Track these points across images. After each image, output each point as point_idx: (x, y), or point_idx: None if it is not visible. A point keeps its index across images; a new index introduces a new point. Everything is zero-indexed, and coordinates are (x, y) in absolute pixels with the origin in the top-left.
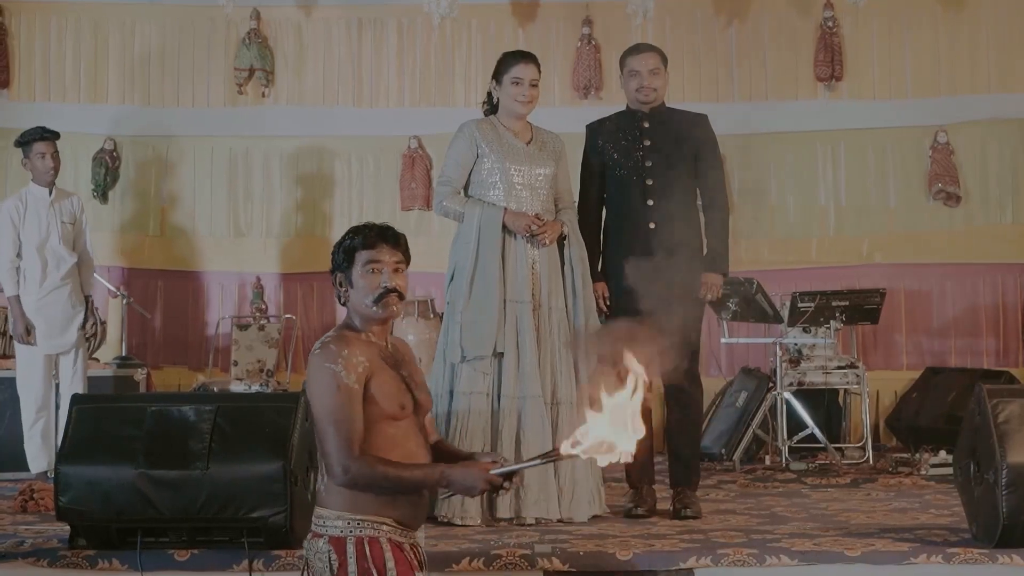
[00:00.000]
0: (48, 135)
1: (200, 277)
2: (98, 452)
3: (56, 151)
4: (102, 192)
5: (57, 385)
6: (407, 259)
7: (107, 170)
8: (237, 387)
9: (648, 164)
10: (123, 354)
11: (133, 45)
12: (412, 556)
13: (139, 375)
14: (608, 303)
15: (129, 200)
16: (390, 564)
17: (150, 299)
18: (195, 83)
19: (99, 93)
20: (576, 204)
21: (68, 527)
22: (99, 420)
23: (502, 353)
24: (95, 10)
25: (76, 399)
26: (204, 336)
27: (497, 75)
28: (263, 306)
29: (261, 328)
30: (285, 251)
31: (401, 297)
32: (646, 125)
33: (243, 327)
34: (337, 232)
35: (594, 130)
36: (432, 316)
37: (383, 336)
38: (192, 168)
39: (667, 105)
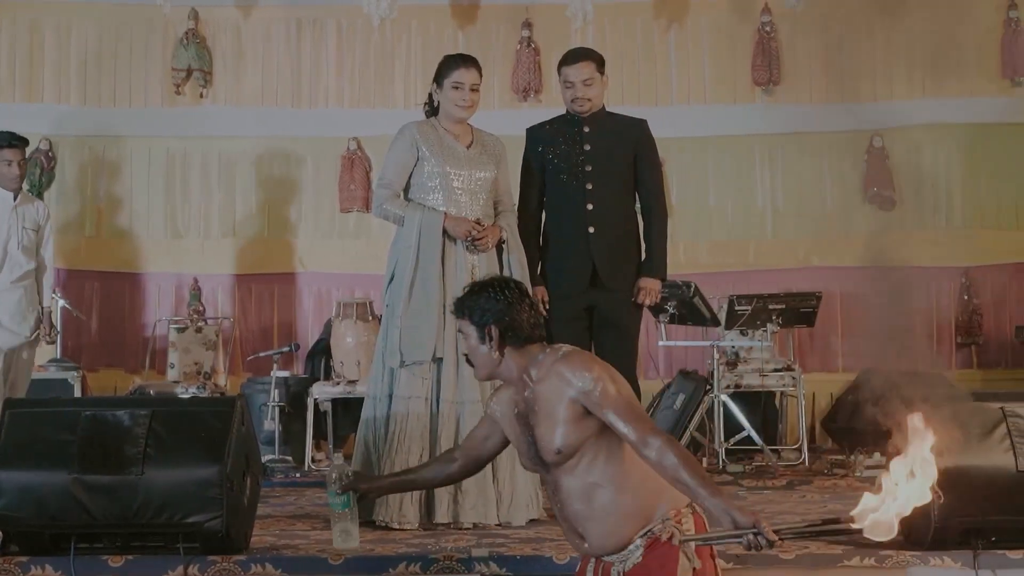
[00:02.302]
0: (16, 142)
1: (137, 279)
2: (31, 457)
3: (24, 158)
4: (37, 193)
5: None
6: None
7: (42, 170)
8: (174, 390)
9: (588, 168)
10: (58, 356)
11: (69, 44)
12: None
13: (73, 378)
14: (547, 307)
15: (65, 201)
16: None
17: (86, 301)
18: (132, 83)
19: (34, 93)
20: (516, 207)
21: (0, 533)
22: (32, 425)
23: (441, 358)
24: (31, 9)
25: (8, 403)
26: (141, 338)
27: (438, 78)
28: (200, 308)
29: (198, 330)
30: (224, 252)
31: None
32: (586, 130)
33: (180, 329)
34: (277, 232)
35: (534, 134)
36: (371, 318)
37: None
38: (129, 169)
39: (607, 109)
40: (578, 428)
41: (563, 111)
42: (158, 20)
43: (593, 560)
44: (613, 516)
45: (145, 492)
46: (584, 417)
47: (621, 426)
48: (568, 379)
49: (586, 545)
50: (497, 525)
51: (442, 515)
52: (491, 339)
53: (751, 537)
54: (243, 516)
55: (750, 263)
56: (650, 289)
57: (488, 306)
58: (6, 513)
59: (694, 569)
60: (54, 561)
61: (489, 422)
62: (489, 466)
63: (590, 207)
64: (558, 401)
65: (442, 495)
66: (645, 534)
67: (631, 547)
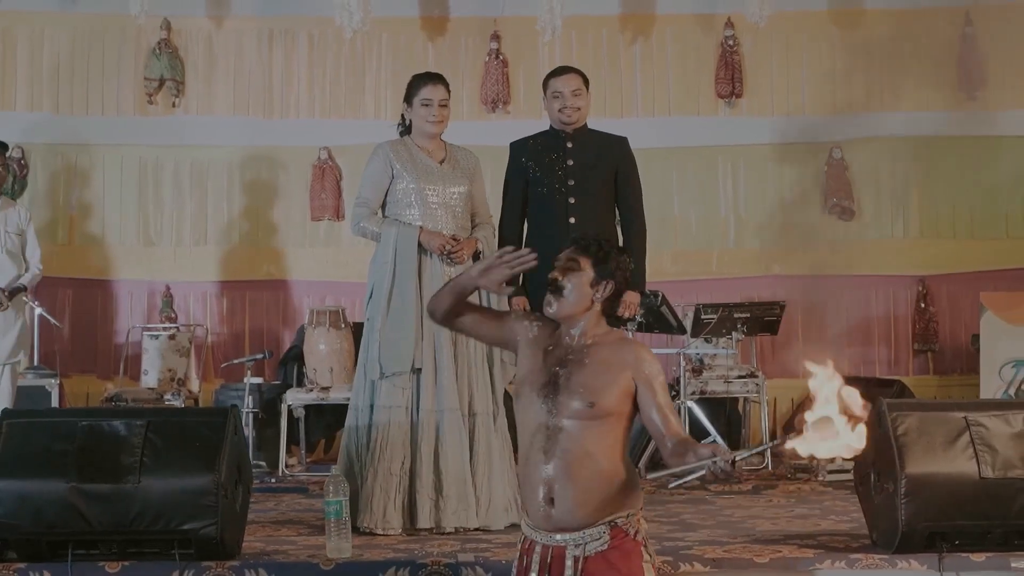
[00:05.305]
0: None
1: (109, 286)
2: (29, 466)
3: (5, 162)
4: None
5: None
6: None
7: (15, 178)
8: (151, 396)
9: (571, 183)
10: (35, 364)
11: (42, 53)
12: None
13: (51, 385)
14: None
15: (38, 209)
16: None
17: (59, 308)
18: (105, 92)
19: (7, 101)
20: (496, 220)
21: None
22: (30, 434)
23: (420, 368)
24: (3, 18)
25: (6, 413)
26: (113, 345)
27: (408, 97)
28: (173, 315)
29: (172, 337)
30: (196, 260)
31: None
32: (569, 145)
33: (153, 336)
34: (249, 240)
35: (518, 148)
36: (343, 326)
37: None
38: (102, 177)
39: (589, 127)
40: (617, 398)
41: (533, 123)
42: (131, 30)
43: (540, 546)
44: (592, 491)
45: (141, 500)
46: (626, 393)
47: (658, 414)
48: (641, 359)
49: (552, 511)
50: (476, 529)
51: (424, 520)
52: (603, 292)
53: (710, 464)
54: (236, 523)
55: (713, 272)
56: (630, 302)
57: (623, 268)
58: (5, 521)
59: (654, 567)
60: (52, 568)
61: (507, 325)
62: (468, 471)
63: (572, 221)
64: (618, 369)
65: (424, 501)
66: (610, 522)
67: (594, 529)
